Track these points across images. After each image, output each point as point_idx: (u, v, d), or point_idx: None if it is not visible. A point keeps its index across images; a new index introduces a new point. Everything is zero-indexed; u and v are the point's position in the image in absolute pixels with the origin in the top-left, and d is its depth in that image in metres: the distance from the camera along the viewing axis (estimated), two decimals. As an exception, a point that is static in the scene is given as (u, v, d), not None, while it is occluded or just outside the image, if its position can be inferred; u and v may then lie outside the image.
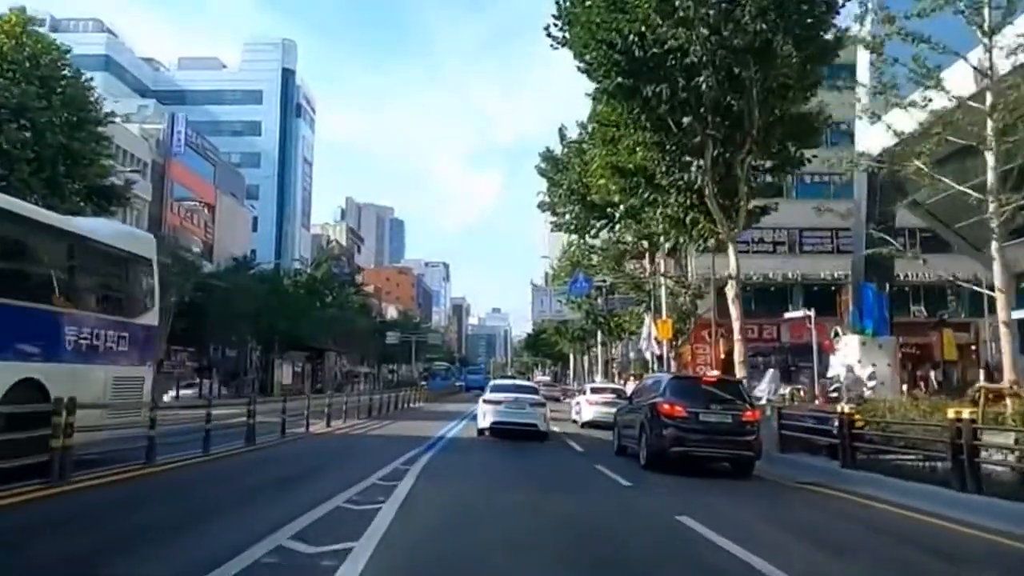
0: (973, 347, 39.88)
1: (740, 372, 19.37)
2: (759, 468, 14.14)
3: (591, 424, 24.34)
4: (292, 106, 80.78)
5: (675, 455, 13.17)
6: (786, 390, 19.49)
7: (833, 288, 42.26)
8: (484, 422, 18.67)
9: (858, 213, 29.14)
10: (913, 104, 11.59)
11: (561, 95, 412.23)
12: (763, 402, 18.87)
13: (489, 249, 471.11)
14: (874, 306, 26.40)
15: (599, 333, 46.84)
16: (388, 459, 12.49)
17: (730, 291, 19.92)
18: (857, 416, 12.37)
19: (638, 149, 19.64)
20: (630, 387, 26.98)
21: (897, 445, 11.97)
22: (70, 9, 70.30)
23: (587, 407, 25.26)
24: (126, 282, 10.74)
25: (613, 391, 25.86)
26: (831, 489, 11.14)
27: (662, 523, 7.98)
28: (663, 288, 27.77)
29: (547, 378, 78.82)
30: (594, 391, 26.40)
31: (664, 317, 27.50)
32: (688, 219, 19.88)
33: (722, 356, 40.02)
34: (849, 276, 41.87)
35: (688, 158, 18.97)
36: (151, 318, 11.41)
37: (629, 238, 28.90)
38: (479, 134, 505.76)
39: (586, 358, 57.15)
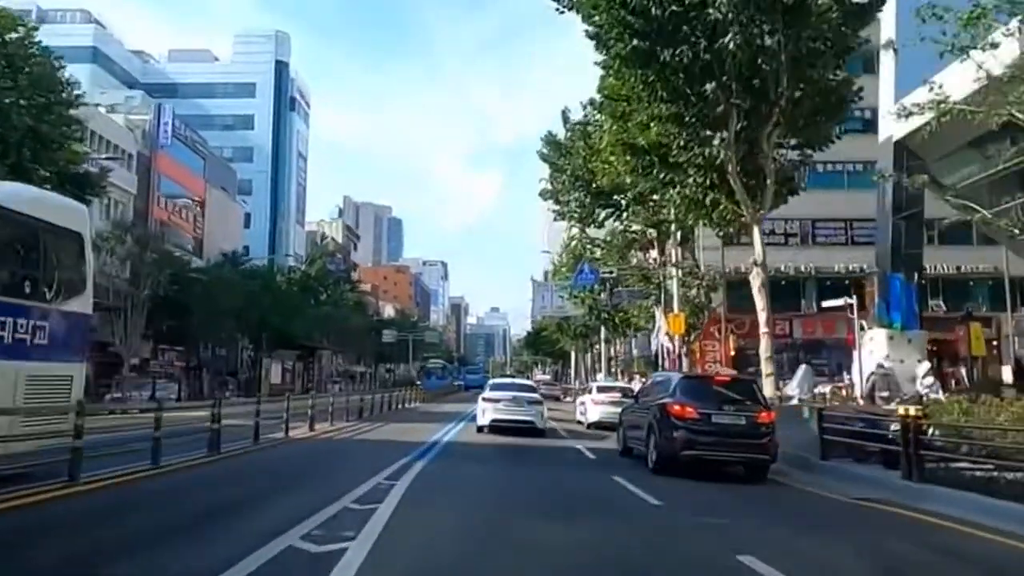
0: (995, 342, 38.03)
1: (767, 368, 17.44)
2: (800, 478, 12.29)
3: (598, 425, 22.45)
4: (286, 99, 78.70)
5: (686, 459, 12.27)
6: (826, 388, 17.44)
7: (847, 281, 40.32)
8: (484, 419, 18.98)
9: (883, 198, 27.25)
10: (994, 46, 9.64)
11: (561, 96, 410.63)
12: (795, 401, 17.00)
13: (488, 250, 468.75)
14: (902, 298, 24.50)
15: (603, 330, 44.92)
16: (370, 471, 10.54)
17: (755, 279, 17.96)
18: (924, 419, 10.43)
19: (652, 124, 17.70)
20: (637, 386, 25.10)
21: (976, 454, 10.02)
22: (60, 1, 68.15)
23: (593, 407, 23.34)
24: (45, 259, 8.73)
25: (620, 390, 23.94)
26: (903, 508, 9.18)
27: (725, 567, 6.02)
28: (674, 279, 25.81)
29: (546, 377, 77.17)
30: (600, 390, 24.46)
31: (676, 311, 25.56)
32: (708, 200, 17.93)
33: (732, 353, 38.16)
34: (866, 268, 40.08)
35: (708, 132, 17.06)
36: (82, 304, 9.43)
37: (637, 227, 26.94)
38: (479, 134, 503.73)
39: (588, 356, 55.22)
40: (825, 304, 24.60)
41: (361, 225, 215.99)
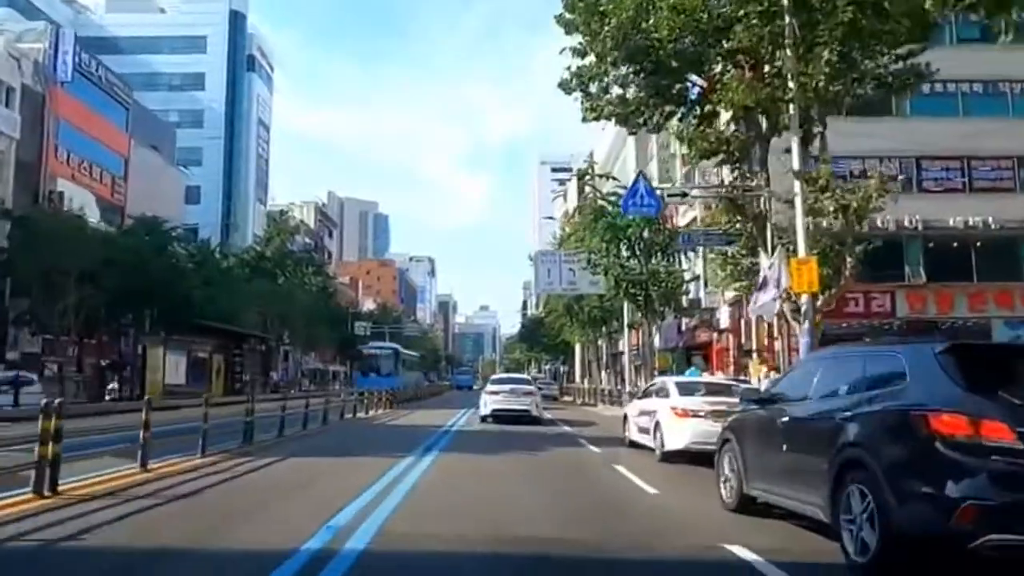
0: None
1: None
2: None
3: (686, 455, 11.55)
4: (242, 56, 66.70)
5: (991, 548, 4.35)
6: None
7: (954, 243, 29.28)
8: (486, 410, 20.32)
9: None
10: None
11: (551, 102, 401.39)
12: None
13: (477, 253, 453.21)
14: None
15: (626, 312, 33.78)
16: None
17: None
18: None
19: None
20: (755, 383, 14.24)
21: None
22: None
23: (678, 423, 12.19)
24: None
25: (726, 391, 12.95)
26: None
27: None
28: (798, 198, 14.72)
29: (541, 376, 67.04)
30: (686, 389, 13.34)
31: (802, 254, 14.53)
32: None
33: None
34: (991, 221, 29.17)
35: None
36: None
37: (722, 118, 15.77)
38: (470, 137, 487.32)
39: (604, 347, 43.98)
40: None
41: (346, 221, 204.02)
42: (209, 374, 28.52)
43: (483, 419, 20.07)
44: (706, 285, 34.52)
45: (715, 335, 35.46)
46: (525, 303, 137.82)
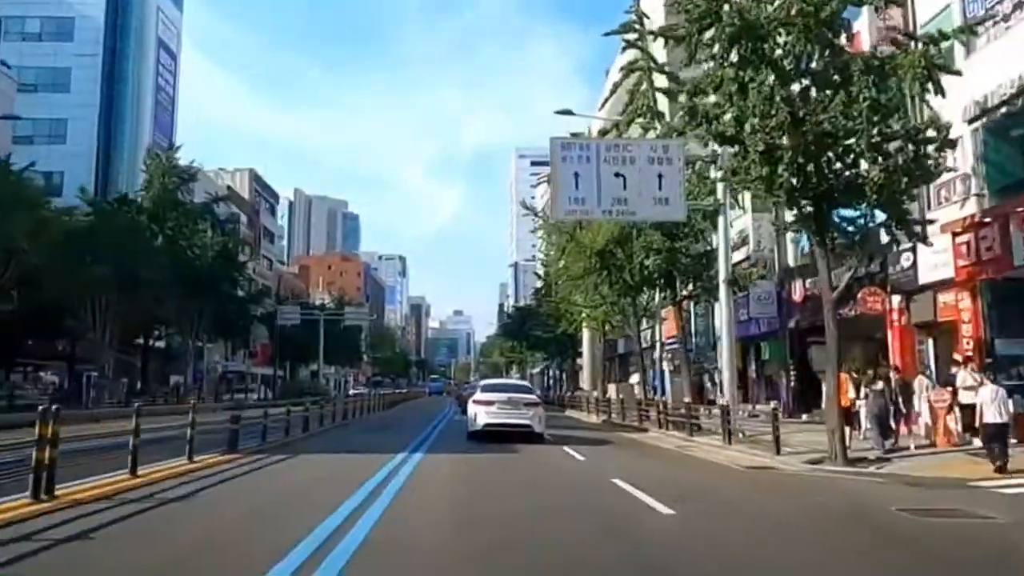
0: None
1: None
2: None
3: None
4: (131, -49, 48.37)
5: None
6: None
7: None
8: (476, 424, 16.47)
9: None
10: None
11: (532, 109, 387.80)
12: None
13: (451, 259, 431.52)
14: None
15: (723, 256, 16.21)
16: None
17: None
18: None
19: None
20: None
21: None
22: None
23: None
24: None
25: None
26: None
27: None
28: None
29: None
30: None
31: None
32: None
33: None
34: None
35: None
36: None
37: None
38: (443, 146, 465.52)
39: (651, 331, 26.16)
40: None
41: (314, 220, 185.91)
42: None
43: (470, 435, 16.25)
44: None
45: (896, 302, 17.81)
46: (502, 305, 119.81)
